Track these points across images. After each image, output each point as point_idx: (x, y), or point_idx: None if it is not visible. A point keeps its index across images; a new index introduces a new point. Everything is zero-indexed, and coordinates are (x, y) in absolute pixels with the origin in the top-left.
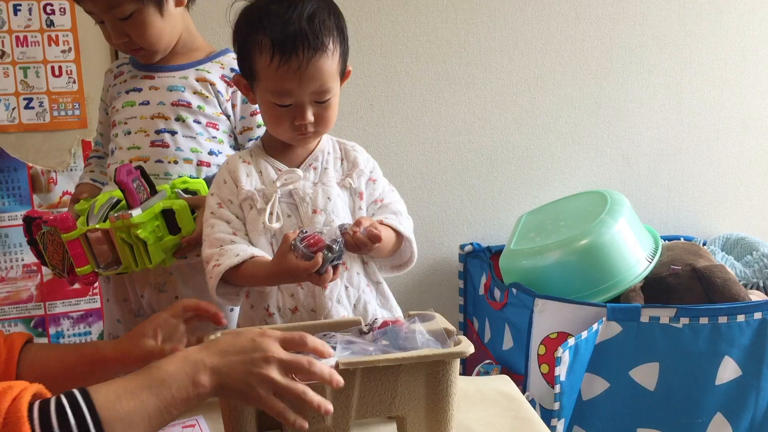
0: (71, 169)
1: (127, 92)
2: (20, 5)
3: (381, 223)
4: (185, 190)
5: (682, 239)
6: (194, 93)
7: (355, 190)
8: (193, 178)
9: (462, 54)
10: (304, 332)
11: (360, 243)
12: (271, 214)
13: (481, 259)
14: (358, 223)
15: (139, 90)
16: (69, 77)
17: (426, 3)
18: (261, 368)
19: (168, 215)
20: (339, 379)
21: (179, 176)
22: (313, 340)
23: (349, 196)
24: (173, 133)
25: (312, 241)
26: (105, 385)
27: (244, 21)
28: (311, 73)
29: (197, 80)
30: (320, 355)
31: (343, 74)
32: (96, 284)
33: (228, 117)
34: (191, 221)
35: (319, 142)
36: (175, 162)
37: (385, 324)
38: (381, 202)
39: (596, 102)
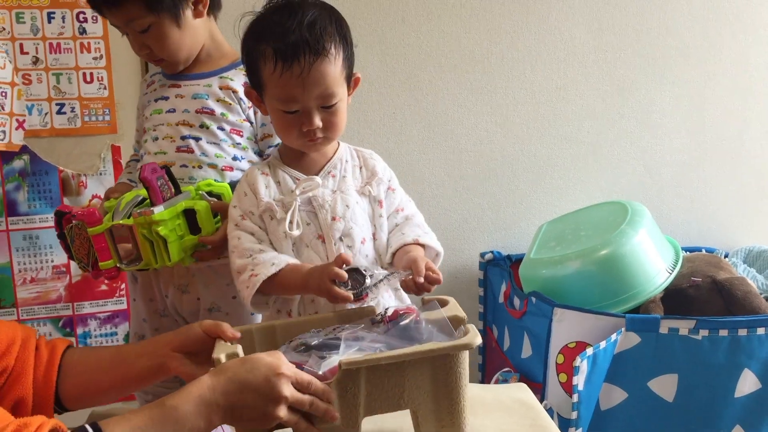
0: (101, 173)
1: (156, 100)
2: (54, 13)
3: (417, 242)
4: (209, 193)
5: (704, 251)
6: (217, 101)
7: (374, 197)
8: (218, 182)
9: (485, 64)
10: (313, 378)
11: (423, 289)
12: (290, 222)
13: (501, 267)
14: (418, 272)
15: (166, 98)
16: (100, 83)
17: (449, 13)
18: (274, 410)
19: (190, 215)
20: (335, 416)
21: (203, 180)
22: (318, 386)
23: (368, 204)
24: (197, 139)
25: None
26: (118, 421)
27: (250, 33)
28: (314, 77)
29: (220, 88)
30: (325, 400)
31: (350, 80)
32: (123, 285)
33: (251, 123)
34: (212, 223)
35: (336, 150)
36: (200, 167)
37: (396, 314)
38: (402, 212)
39: (619, 112)
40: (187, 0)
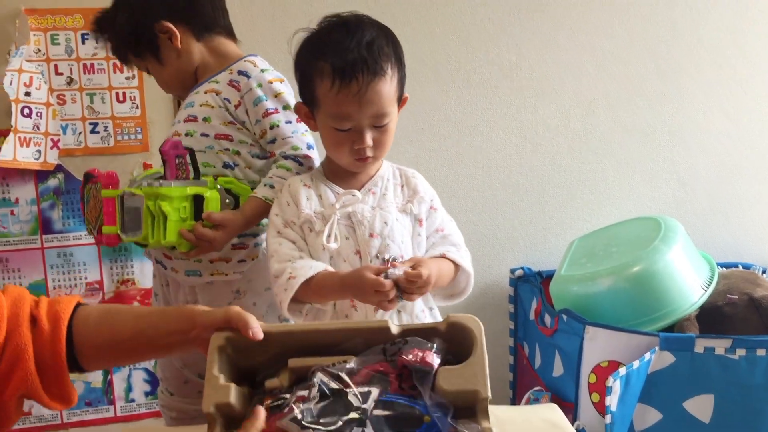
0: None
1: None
2: (88, 35)
3: (444, 256)
4: (228, 190)
5: (740, 267)
6: (201, 105)
7: (415, 216)
8: (241, 182)
9: (513, 78)
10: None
11: (401, 283)
12: (329, 235)
13: (531, 283)
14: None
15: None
16: (132, 103)
17: (478, 29)
18: None
19: (198, 202)
20: None
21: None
22: None
23: (409, 222)
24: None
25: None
26: None
27: (306, 49)
28: (370, 97)
29: (206, 92)
30: None
31: (400, 100)
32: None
33: (243, 123)
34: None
35: (379, 168)
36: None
37: (404, 362)
38: (442, 231)
39: (651, 126)
40: (153, 41)
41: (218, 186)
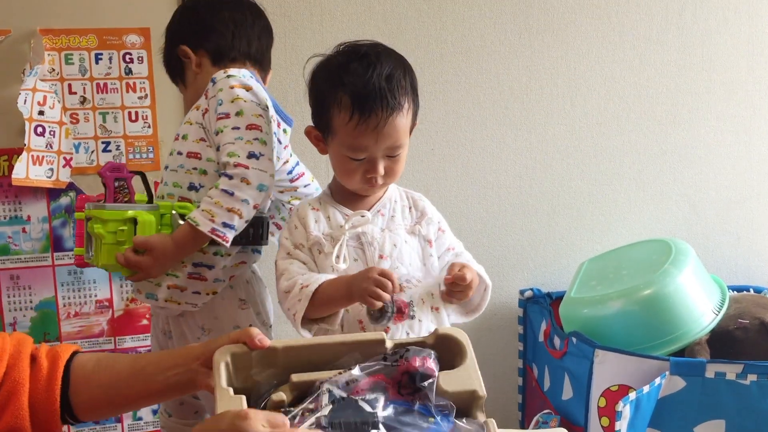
0: None
1: None
2: (101, 54)
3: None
4: (182, 216)
5: (751, 290)
6: (185, 123)
7: (424, 237)
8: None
9: (524, 100)
10: (288, 421)
11: (450, 285)
12: (337, 256)
13: (541, 305)
14: (450, 270)
15: None
16: (144, 122)
17: (488, 50)
18: None
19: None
20: None
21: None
22: None
23: (418, 243)
24: (167, 167)
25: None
26: None
27: (323, 77)
28: (388, 131)
29: (196, 108)
30: None
31: (412, 128)
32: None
33: (207, 132)
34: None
35: (386, 190)
36: (162, 197)
37: (412, 366)
38: (453, 250)
39: (661, 148)
40: (184, 63)
41: (172, 212)
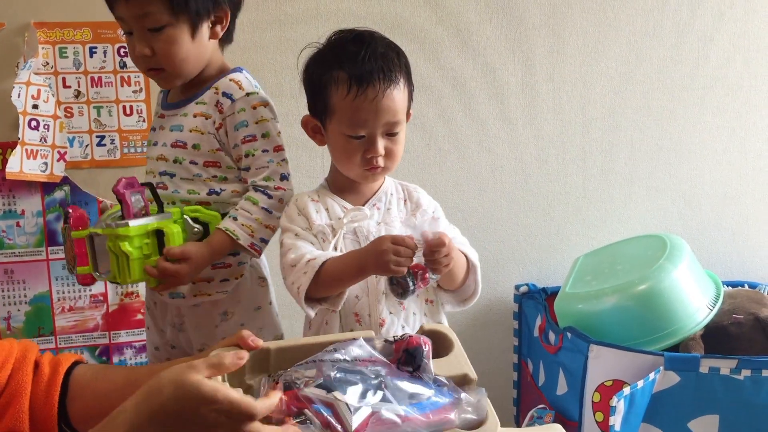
0: None
1: (152, 130)
2: (96, 48)
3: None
4: (195, 219)
5: (746, 286)
6: (191, 131)
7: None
8: (209, 209)
9: (520, 95)
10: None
11: (431, 250)
12: (335, 248)
13: (536, 300)
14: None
15: (154, 129)
16: (139, 116)
17: (485, 45)
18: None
19: (161, 236)
20: None
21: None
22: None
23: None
24: (172, 175)
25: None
26: None
27: (319, 61)
28: (386, 103)
29: (195, 116)
30: None
31: (408, 113)
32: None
33: (223, 145)
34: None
35: (382, 183)
36: (173, 203)
37: (410, 342)
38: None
39: (657, 144)
40: (208, 15)
41: (184, 217)
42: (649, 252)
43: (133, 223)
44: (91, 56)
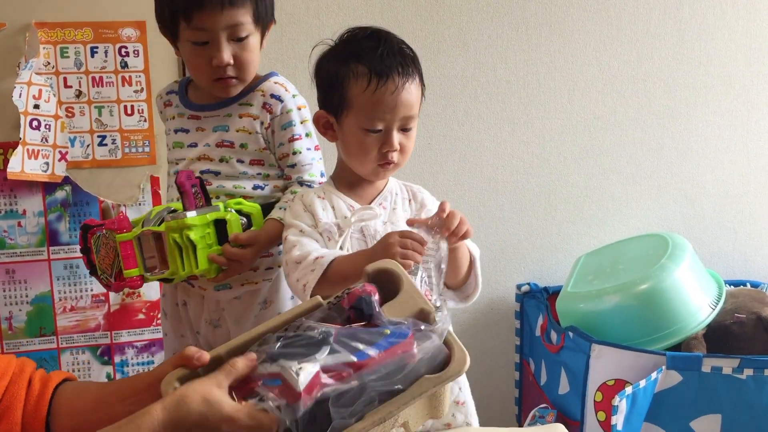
0: (140, 204)
1: (176, 132)
2: (97, 48)
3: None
4: (239, 211)
5: (748, 285)
6: (237, 131)
7: None
8: (249, 201)
9: (521, 94)
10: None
11: (447, 224)
12: (341, 247)
13: (538, 299)
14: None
15: (187, 131)
16: (140, 116)
17: (486, 44)
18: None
19: (219, 226)
20: None
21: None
22: None
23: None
24: (217, 173)
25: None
26: None
27: (333, 57)
28: (405, 97)
29: (240, 116)
30: None
31: (419, 109)
32: (159, 315)
33: (268, 143)
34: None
35: (387, 182)
36: (217, 197)
37: (354, 296)
38: None
39: (659, 142)
40: (268, 26)
41: (230, 209)
42: (651, 251)
43: (193, 213)
44: (92, 56)
